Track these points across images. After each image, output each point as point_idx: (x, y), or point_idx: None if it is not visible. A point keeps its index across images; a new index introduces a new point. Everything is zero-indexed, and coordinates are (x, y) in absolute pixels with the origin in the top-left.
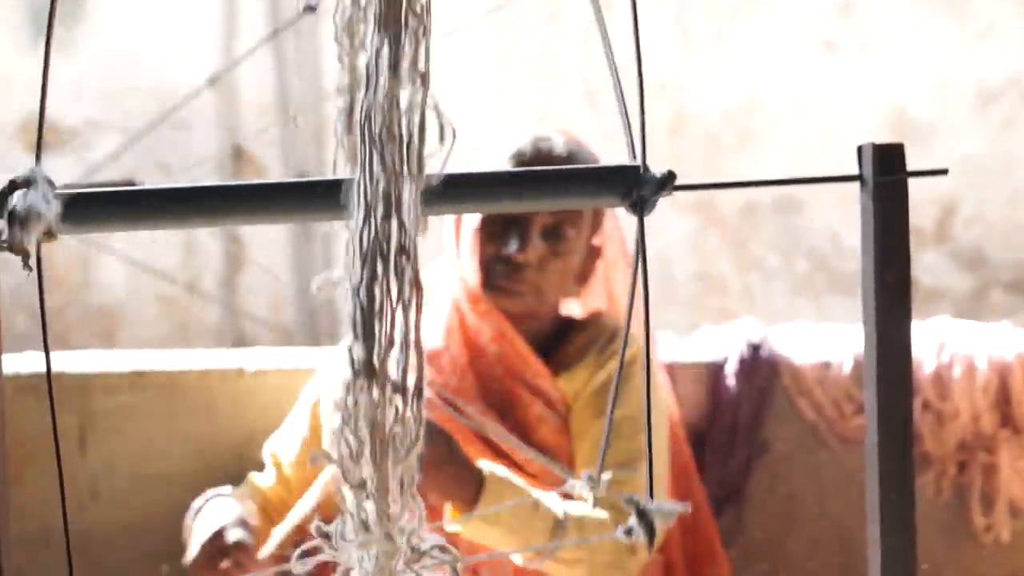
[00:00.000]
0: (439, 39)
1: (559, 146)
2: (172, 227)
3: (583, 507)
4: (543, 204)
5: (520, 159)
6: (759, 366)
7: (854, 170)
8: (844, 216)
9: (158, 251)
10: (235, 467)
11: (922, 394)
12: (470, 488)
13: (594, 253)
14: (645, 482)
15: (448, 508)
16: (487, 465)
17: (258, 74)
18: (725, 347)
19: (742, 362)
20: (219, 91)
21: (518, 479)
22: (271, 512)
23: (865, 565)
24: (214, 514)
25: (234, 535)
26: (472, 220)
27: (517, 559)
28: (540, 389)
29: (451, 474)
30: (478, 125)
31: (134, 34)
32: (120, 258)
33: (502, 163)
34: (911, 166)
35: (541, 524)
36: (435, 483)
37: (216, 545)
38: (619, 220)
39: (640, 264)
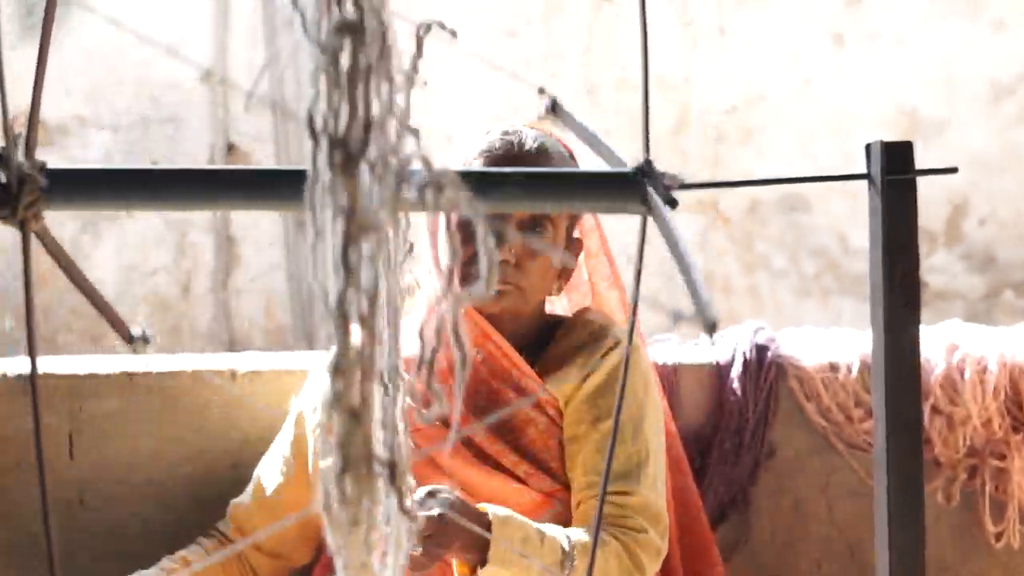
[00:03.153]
0: (439, 37)
1: (529, 140)
2: (160, 208)
3: (583, 533)
4: (544, 206)
5: (490, 154)
6: (765, 369)
7: (862, 167)
8: (853, 214)
9: (150, 251)
10: (227, 471)
11: (932, 398)
12: (480, 536)
13: (575, 248)
14: (650, 480)
15: (455, 563)
16: (488, 507)
17: (252, 69)
18: (730, 349)
19: (747, 364)
20: (212, 87)
21: (518, 515)
22: (244, 551)
23: (874, 573)
24: None
25: None
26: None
27: None
28: (527, 390)
29: (467, 531)
30: (477, 124)
31: (123, 29)
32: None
33: (473, 158)
34: (920, 164)
35: (549, 555)
36: (456, 547)
37: None
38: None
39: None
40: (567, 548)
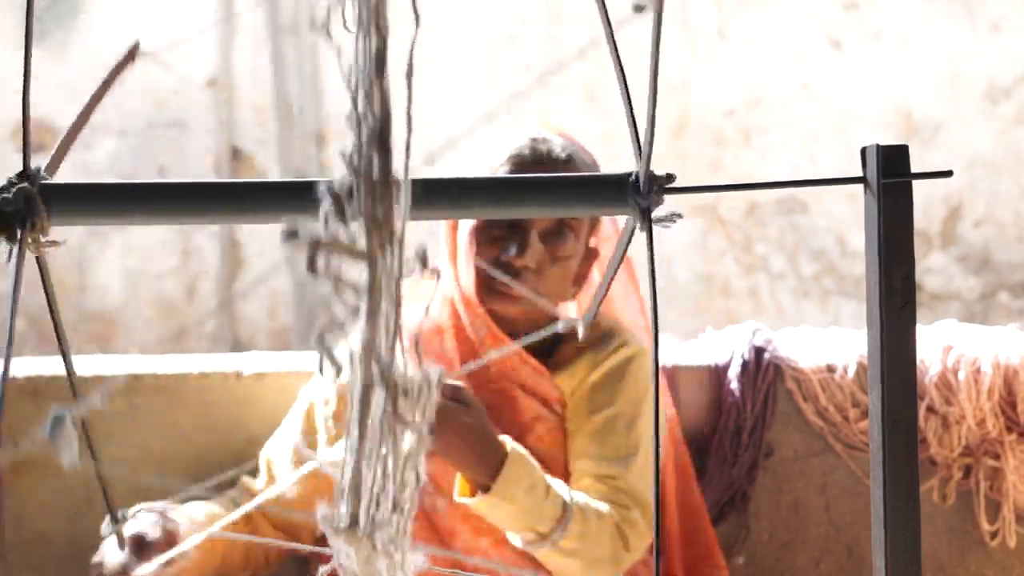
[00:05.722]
0: (440, 39)
1: (557, 148)
2: (162, 223)
3: (587, 497)
4: (544, 212)
5: (518, 161)
6: (762, 369)
7: (860, 170)
8: (851, 216)
9: (156, 255)
10: (233, 471)
11: (927, 398)
12: (494, 462)
13: (591, 255)
14: (637, 473)
15: (458, 481)
16: (508, 440)
17: (256, 74)
18: (728, 350)
19: (745, 365)
20: (217, 91)
21: (532, 460)
22: (255, 514)
23: (872, 572)
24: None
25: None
26: (468, 222)
27: (516, 541)
28: (537, 389)
29: (481, 446)
30: (477, 125)
31: (129, 34)
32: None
33: (500, 164)
34: (918, 165)
35: (551, 509)
36: (464, 453)
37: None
38: (616, 220)
39: (650, 274)
40: (567, 509)
